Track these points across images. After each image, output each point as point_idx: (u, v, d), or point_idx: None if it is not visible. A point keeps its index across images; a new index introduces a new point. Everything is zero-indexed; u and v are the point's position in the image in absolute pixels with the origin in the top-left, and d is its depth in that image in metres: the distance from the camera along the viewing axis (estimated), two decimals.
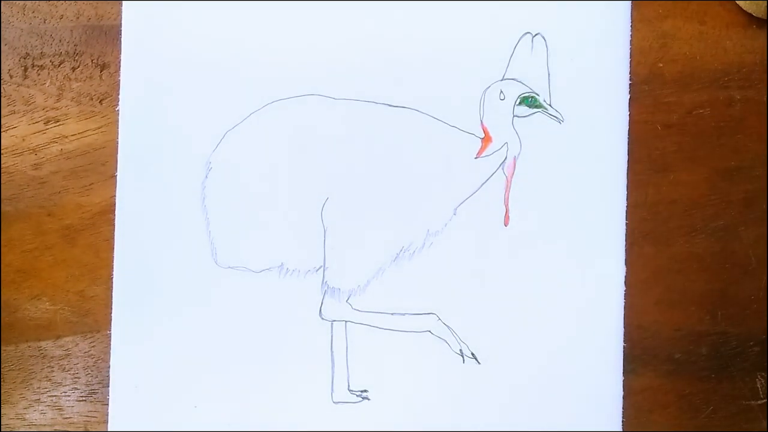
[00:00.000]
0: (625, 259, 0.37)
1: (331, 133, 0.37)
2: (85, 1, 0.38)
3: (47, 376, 0.37)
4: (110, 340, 0.37)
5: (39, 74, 0.38)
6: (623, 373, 0.37)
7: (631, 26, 0.37)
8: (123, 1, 0.37)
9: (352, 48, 0.37)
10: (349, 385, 0.37)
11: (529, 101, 0.37)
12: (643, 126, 0.37)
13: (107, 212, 0.37)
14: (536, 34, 0.37)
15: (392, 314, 0.37)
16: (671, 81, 0.37)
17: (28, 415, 0.37)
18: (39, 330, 0.37)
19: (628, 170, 0.37)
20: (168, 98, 0.37)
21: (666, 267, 0.36)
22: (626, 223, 0.37)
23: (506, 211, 0.37)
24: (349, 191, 0.37)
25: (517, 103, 0.37)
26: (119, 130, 0.37)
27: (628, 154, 0.37)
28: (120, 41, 0.37)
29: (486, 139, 0.37)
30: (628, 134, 0.37)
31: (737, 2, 0.38)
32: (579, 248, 0.37)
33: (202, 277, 0.37)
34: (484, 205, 0.37)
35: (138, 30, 0.37)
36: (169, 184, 0.37)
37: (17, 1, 0.38)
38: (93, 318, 0.37)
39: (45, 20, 0.38)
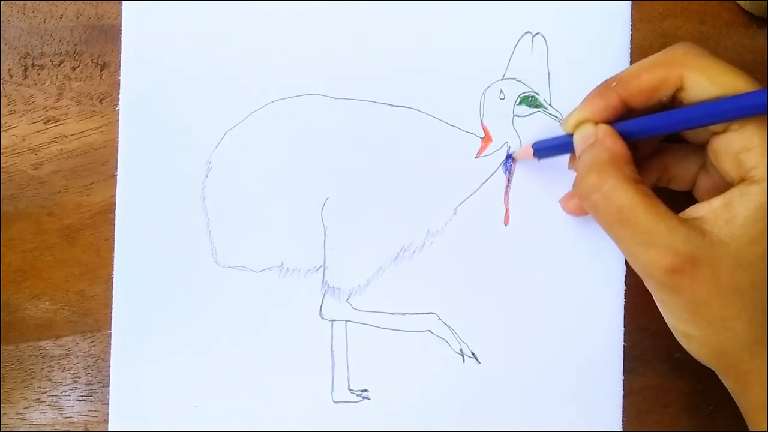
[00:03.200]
0: (625, 259, 0.37)
1: (331, 133, 0.37)
2: (85, 1, 0.38)
3: (47, 376, 0.37)
4: (110, 340, 0.37)
5: (39, 74, 0.38)
6: (623, 373, 0.37)
7: (631, 26, 0.37)
8: (123, 1, 0.37)
9: (352, 48, 0.37)
10: (349, 385, 0.37)
11: (529, 101, 0.37)
12: None
13: (107, 212, 0.37)
14: (536, 34, 0.37)
15: (392, 314, 0.37)
16: None
17: (28, 415, 0.37)
18: (39, 330, 0.37)
19: None
20: (168, 98, 0.37)
21: None
22: None
23: (506, 211, 0.37)
24: (349, 191, 0.37)
25: (517, 102, 0.37)
26: (119, 130, 0.37)
27: None
28: (120, 41, 0.37)
29: (486, 139, 0.37)
30: None
31: (737, 2, 0.38)
32: (579, 248, 0.37)
33: (202, 277, 0.37)
34: (484, 205, 0.37)
35: (138, 30, 0.37)
36: (169, 184, 0.37)
37: (17, 1, 0.38)
38: (93, 318, 0.37)
39: (45, 20, 0.38)
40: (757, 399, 0.29)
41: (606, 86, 0.31)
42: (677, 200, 0.31)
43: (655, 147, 0.35)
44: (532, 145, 0.35)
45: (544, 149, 0.35)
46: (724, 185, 0.30)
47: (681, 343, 0.31)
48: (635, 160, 0.30)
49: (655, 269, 0.28)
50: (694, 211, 0.29)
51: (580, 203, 0.35)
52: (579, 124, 0.32)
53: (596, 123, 0.31)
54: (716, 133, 0.29)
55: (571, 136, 0.32)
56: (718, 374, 0.31)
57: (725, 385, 0.31)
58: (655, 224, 0.28)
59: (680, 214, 0.29)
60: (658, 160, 0.34)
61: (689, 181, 0.34)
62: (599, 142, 0.30)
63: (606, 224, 0.30)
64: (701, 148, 0.33)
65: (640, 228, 0.28)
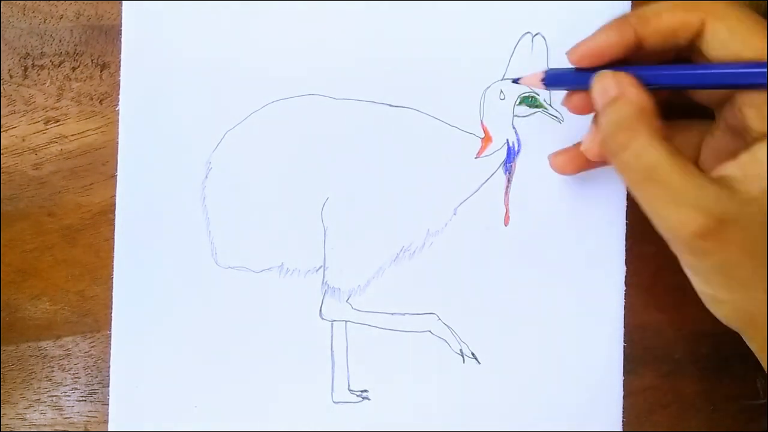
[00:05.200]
0: (625, 259, 0.37)
1: (331, 133, 0.37)
2: (85, 1, 0.38)
3: (47, 376, 0.37)
4: (110, 340, 0.37)
5: (39, 74, 0.38)
6: (623, 373, 0.37)
7: None
8: (123, 1, 0.37)
9: (352, 48, 0.37)
10: (349, 385, 0.37)
11: (529, 101, 0.37)
12: None
13: (107, 212, 0.37)
14: (536, 34, 0.37)
15: (392, 314, 0.37)
16: None
17: (28, 415, 0.37)
18: (39, 330, 0.37)
19: None
20: (168, 98, 0.37)
21: (666, 267, 0.36)
22: (626, 223, 0.37)
23: (506, 211, 0.37)
24: (349, 191, 0.37)
25: (517, 102, 0.37)
26: (119, 130, 0.37)
27: None
28: (120, 41, 0.37)
29: (486, 139, 0.37)
30: None
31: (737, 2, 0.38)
32: (579, 248, 0.37)
33: (202, 277, 0.37)
34: (484, 205, 0.37)
35: (138, 30, 0.37)
36: (169, 184, 0.37)
37: (17, 1, 0.38)
38: (93, 318, 0.37)
39: (45, 20, 0.38)
40: None
41: (623, 20, 0.30)
42: None
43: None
44: (544, 71, 0.33)
45: (555, 79, 0.33)
46: (734, 146, 0.29)
47: (708, 308, 0.30)
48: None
49: (685, 231, 0.27)
50: (721, 170, 0.28)
51: (569, 159, 0.34)
52: (587, 54, 0.30)
53: (614, 70, 0.29)
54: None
55: (587, 70, 0.30)
56: (744, 339, 0.30)
57: (751, 349, 0.30)
58: (685, 183, 0.27)
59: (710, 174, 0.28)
60: None
61: (692, 154, 0.33)
62: (623, 95, 0.29)
63: (634, 183, 0.29)
64: (703, 117, 0.31)
65: (670, 187, 0.27)
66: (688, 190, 0.27)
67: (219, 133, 0.37)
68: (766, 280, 0.27)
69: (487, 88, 0.37)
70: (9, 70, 0.38)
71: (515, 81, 0.35)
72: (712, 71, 0.28)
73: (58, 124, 0.37)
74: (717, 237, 0.27)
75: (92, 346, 0.37)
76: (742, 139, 0.29)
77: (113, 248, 0.37)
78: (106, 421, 0.37)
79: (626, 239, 0.37)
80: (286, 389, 0.37)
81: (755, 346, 0.30)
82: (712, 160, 0.31)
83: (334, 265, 0.37)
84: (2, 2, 0.38)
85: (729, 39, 0.28)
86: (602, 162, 0.33)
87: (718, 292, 0.29)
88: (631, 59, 0.30)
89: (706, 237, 0.27)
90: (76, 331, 0.37)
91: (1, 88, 0.38)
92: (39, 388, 0.37)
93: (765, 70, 0.27)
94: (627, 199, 0.37)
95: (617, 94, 0.29)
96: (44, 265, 0.38)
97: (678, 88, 0.30)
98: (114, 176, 0.37)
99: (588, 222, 0.37)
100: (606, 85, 0.29)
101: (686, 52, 0.30)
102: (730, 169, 0.27)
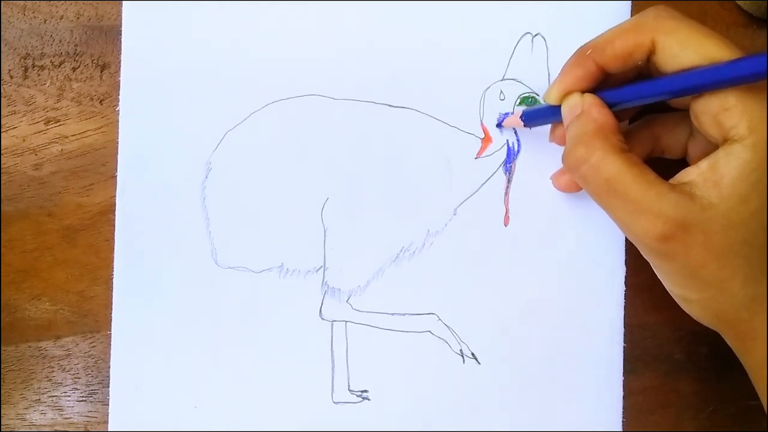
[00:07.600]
0: (625, 259, 0.37)
1: (331, 133, 0.37)
2: (85, 1, 0.38)
3: (47, 377, 0.37)
4: (110, 340, 0.37)
5: (39, 74, 0.38)
6: (623, 373, 0.37)
7: None
8: (123, 1, 0.37)
9: (352, 48, 0.37)
10: (349, 385, 0.37)
11: (529, 101, 0.37)
12: None
13: (107, 212, 0.37)
14: (536, 35, 0.37)
15: (392, 314, 0.37)
16: None
17: (28, 416, 0.37)
18: (39, 330, 0.37)
19: None
20: (168, 98, 0.37)
21: None
22: None
23: (506, 211, 0.37)
24: (349, 191, 0.37)
25: (517, 103, 0.37)
26: (119, 130, 0.37)
27: None
28: (120, 41, 0.37)
29: (486, 140, 0.37)
30: None
31: (737, 2, 0.38)
32: (579, 248, 0.37)
33: (202, 277, 0.37)
34: (484, 205, 0.37)
35: (138, 30, 0.37)
36: (169, 184, 0.37)
37: (17, 1, 0.38)
38: (93, 318, 0.37)
39: (45, 20, 0.38)
40: (759, 356, 0.29)
41: (581, 54, 0.31)
42: (672, 168, 0.31)
43: (645, 118, 0.35)
44: (522, 112, 0.35)
45: (533, 117, 0.35)
46: (711, 148, 0.30)
47: (681, 306, 0.31)
48: (625, 131, 0.30)
49: (648, 237, 0.28)
50: (683, 176, 0.29)
51: (571, 179, 0.35)
52: (560, 95, 0.32)
53: (582, 93, 0.31)
54: (695, 97, 0.29)
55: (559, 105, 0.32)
56: (720, 334, 0.31)
57: (729, 344, 0.31)
58: (643, 192, 0.28)
59: (670, 180, 0.29)
60: (648, 131, 0.34)
61: (681, 149, 0.34)
62: (585, 113, 0.30)
63: (596, 195, 0.30)
64: (688, 114, 0.33)
65: (629, 197, 0.28)
66: (647, 199, 0.28)
67: (219, 133, 0.37)
68: (729, 279, 0.28)
69: (487, 88, 0.37)
70: (9, 70, 0.38)
71: (499, 125, 0.37)
72: (663, 82, 0.29)
73: (58, 124, 0.37)
74: (679, 241, 0.28)
75: (92, 346, 0.37)
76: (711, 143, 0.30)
77: (113, 248, 0.37)
78: (106, 421, 0.37)
79: (626, 239, 0.37)
80: (286, 389, 0.37)
81: (730, 341, 0.31)
82: (695, 158, 0.33)
83: (334, 266, 0.37)
84: (2, 2, 0.38)
85: (680, 52, 0.29)
86: None
87: (687, 293, 0.30)
88: (602, 86, 0.32)
89: (669, 241, 0.28)
90: (76, 331, 0.37)
91: (2, 88, 0.38)
92: (39, 388, 0.37)
93: (705, 73, 0.28)
94: None
95: (580, 112, 0.31)
96: (44, 265, 0.38)
97: (639, 103, 0.31)
98: (114, 176, 0.37)
99: (588, 222, 0.37)
100: (572, 104, 0.31)
101: (649, 69, 0.31)
102: (692, 174, 0.29)
